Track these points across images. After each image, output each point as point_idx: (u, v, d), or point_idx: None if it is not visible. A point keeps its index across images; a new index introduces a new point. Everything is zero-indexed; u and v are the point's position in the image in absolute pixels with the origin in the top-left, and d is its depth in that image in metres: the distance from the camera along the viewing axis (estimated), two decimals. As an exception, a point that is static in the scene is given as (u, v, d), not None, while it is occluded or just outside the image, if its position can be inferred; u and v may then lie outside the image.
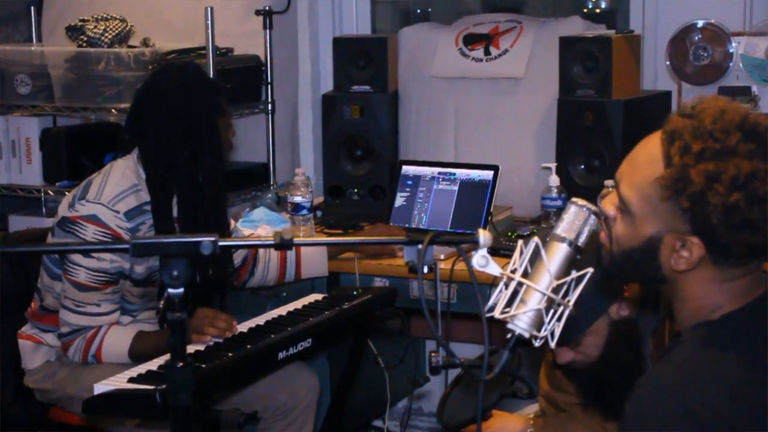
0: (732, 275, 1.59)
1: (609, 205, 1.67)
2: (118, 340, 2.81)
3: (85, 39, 3.75)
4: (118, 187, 2.80)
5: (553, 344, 1.66)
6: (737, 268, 1.58)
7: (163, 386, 2.26)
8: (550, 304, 1.64)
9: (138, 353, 2.77)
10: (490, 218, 3.40)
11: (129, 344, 2.80)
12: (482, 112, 3.83)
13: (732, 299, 1.60)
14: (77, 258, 2.75)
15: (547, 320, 1.64)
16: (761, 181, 1.51)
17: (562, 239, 1.67)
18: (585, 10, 4.00)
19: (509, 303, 1.64)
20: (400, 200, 3.55)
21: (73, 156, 3.85)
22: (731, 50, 3.30)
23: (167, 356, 1.63)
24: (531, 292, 1.63)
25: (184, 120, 2.80)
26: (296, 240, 1.64)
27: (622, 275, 1.72)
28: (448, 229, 3.44)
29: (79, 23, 3.79)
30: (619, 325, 2.10)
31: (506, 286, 1.64)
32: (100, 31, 3.75)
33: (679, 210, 1.55)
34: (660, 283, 1.65)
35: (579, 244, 1.68)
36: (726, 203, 1.50)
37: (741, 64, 3.29)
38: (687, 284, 1.61)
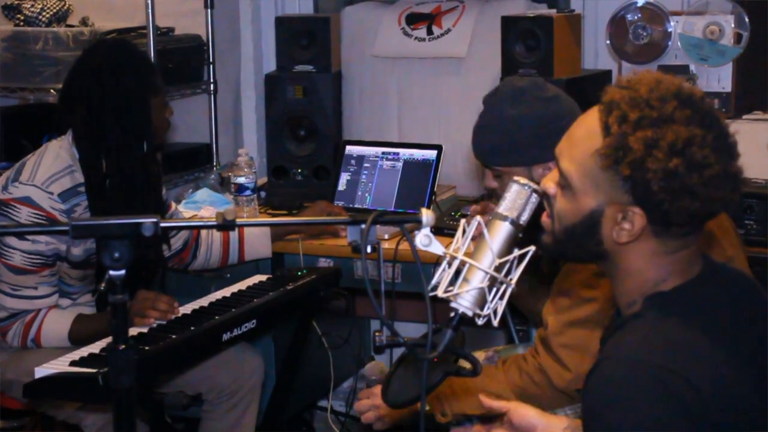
0: (672, 248, 1.61)
1: (549, 182, 1.68)
2: (57, 323, 2.78)
3: (22, 18, 3.69)
4: (51, 169, 2.76)
5: (495, 322, 1.67)
6: (677, 239, 1.60)
7: (105, 369, 2.25)
8: (493, 282, 1.65)
9: (78, 336, 2.74)
10: (433, 198, 3.41)
11: (68, 327, 2.77)
12: (425, 92, 3.83)
13: (675, 273, 1.62)
14: (12, 241, 2.71)
15: (489, 298, 1.65)
16: (699, 146, 1.53)
17: (504, 218, 1.68)
18: (527, -10, 4.01)
19: (452, 282, 1.64)
20: (344, 180, 3.55)
21: (10, 137, 3.79)
22: (670, 29, 3.34)
23: (109, 339, 1.61)
24: (474, 271, 1.64)
25: (115, 98, 2.75)
26: (238, 221, 1.63)
27: (564, 253, 1.73)
28: (392, 209, 3.45)
29: (16, 2, 3.73)
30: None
31: (449, 265, 1.65)
32: (38, 10, 3.69)
33: (619, 180, 1.56)
34: (601, 258, 1.66)
35: (521, 222, 1.69)
36: (666, 168, 1.52)
37: (679, 43, 3.33)
38: (628, 258, 1.62)
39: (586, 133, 1.61)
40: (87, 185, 2.77)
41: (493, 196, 2.68)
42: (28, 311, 2.77)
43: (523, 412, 1.92)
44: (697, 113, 1.55)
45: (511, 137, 2.42)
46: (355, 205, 3.50)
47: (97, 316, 2.84)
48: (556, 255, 1.74)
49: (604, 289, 2.27)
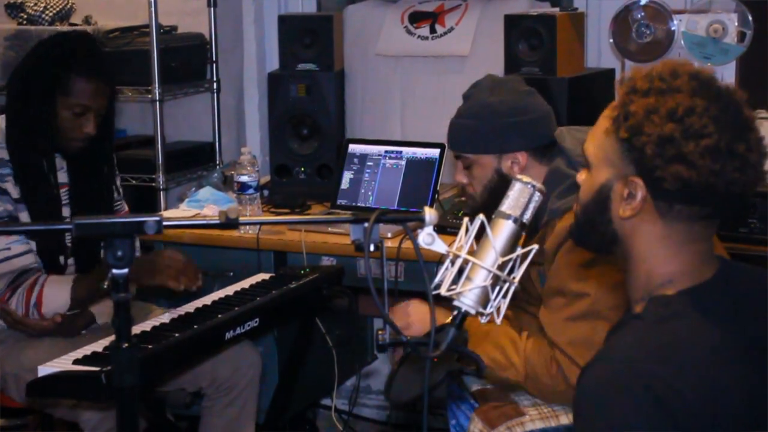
0: (679, 234, 1.60)
1: (580, 175, 1.70)
2: (57, 285, 2.83)
3: (25, 17, 3.69)
4: None
5: (498, 320, 1.67)
6: (682, 224, 1.59)
7: (109, 367, 2.25)
8: (496, 280, 1.65)
9: (79, 295, 2.81)
10: (436, 196, 3.41)
11: (70, 287, 2.82)
12: (428, 90, 3.83)
13: (684, 273, 1.61)
14: None
15: (492, 297, 1.65)
16: (699, 116, 1.53)
17: (507, 216, 1.68)
18: (530, -12, 4.01)
19: (455, 280, 1.64)
20: (346, 179, 3.55)
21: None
22: (673, 28, 3.33)
23: (112, 337, 1.61)
24: (477, 270, 1.64)
25: (23, 86, 2.84)
26: (241, 219, 1.63)
27: (583, 237, 1.72)
28: (396, 208, 3.45)
29: (19, 0, 3.73)
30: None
31: (452, 263, 1.65)
32: (41, 9, 3.69)
33: (622, 147, 1.58)
34: (614, 243, 1.65)
35: (524, 220, 1.69)
36: (660, 133, 1.53)
37: (682, 42, 3.33)
38: (637, 242, 1.61)
39: (606, 114, 1.64)
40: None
41: (463, 194, 2.72)
42: (17, 272, 2.80)
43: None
44: (705, 86, 1.56)
45: (484, 123, 2.50)
46: (358, 204, 3.50)
47: (96, 271, 2.87)
48: (579, 242, 1.74)
49: (596, 280, 2.28)
